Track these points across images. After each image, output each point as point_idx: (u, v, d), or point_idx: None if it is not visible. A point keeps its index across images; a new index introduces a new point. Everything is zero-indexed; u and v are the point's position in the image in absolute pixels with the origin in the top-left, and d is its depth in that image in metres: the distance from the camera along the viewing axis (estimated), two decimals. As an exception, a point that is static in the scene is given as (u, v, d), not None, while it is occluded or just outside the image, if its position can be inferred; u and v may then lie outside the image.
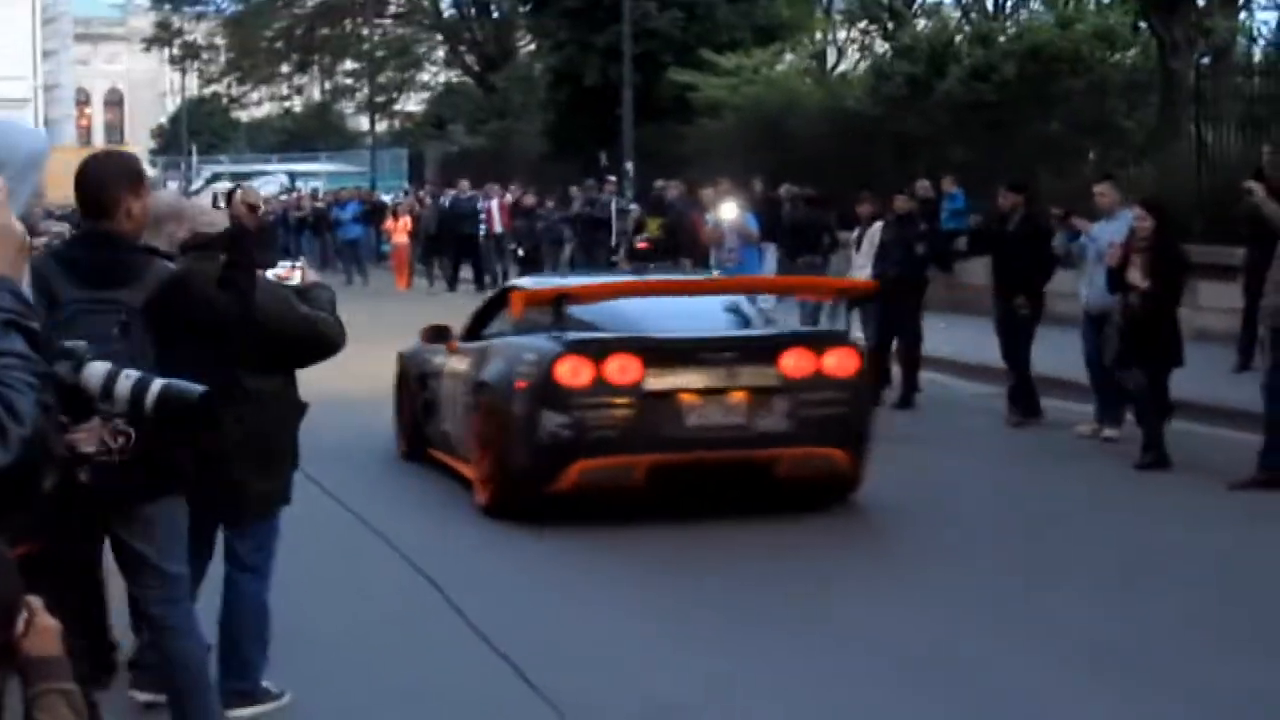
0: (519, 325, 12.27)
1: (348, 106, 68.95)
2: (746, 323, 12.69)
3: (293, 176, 69.87)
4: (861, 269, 18.06)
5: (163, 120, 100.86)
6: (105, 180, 5.94)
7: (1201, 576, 10.02)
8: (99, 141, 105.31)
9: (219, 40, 66.30)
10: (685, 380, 11.32)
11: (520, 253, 25.68)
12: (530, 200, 29.39)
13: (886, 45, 38.06)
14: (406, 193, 45.47)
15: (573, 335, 11.37)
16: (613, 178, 31.98)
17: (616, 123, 35.58)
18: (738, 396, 11.39)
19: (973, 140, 27.64)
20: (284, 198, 47.39)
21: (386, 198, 44.11)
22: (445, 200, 37.32)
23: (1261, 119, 21.74)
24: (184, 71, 71.57)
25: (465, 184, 37.05)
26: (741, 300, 13.05)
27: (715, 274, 18.10)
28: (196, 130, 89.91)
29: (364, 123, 64.86)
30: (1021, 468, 14.04)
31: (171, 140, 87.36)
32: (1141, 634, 8.68)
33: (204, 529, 6.95)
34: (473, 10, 58.73)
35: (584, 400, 11.15)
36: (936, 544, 10.97)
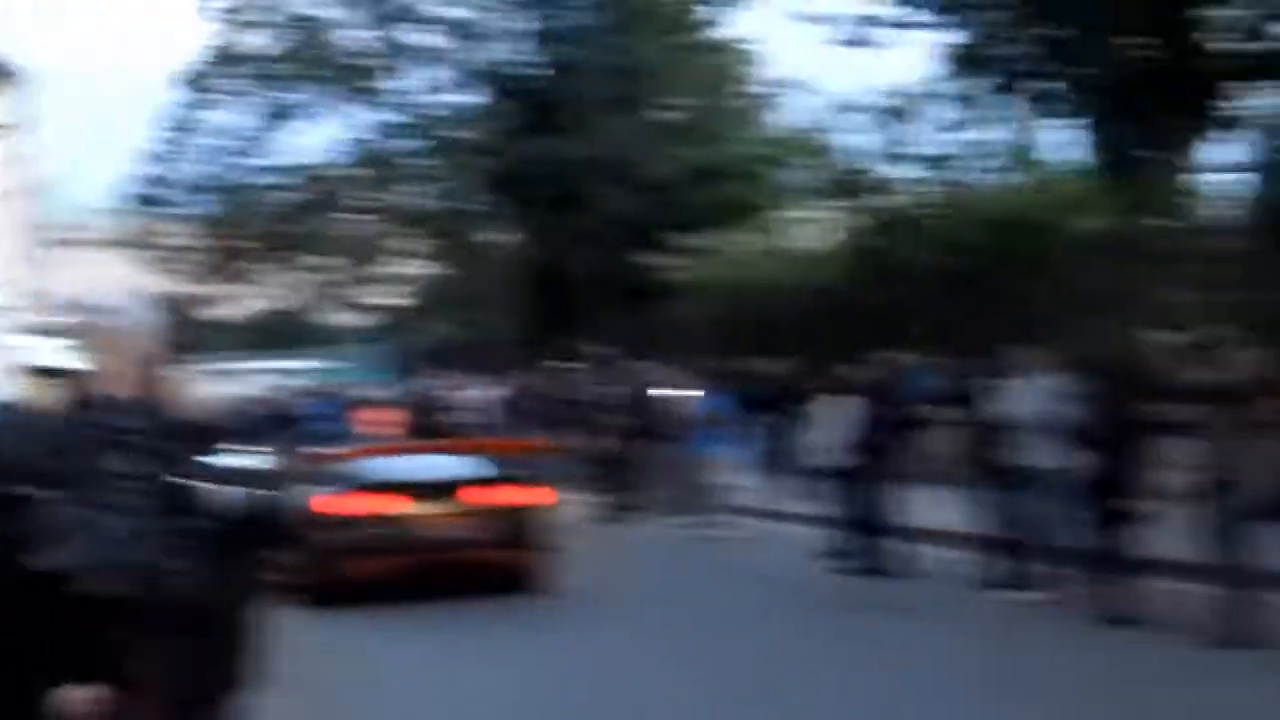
0: (315, 477, 17.19)
1: (325, 303, 69.11)
2: (470, 469, 17.53)
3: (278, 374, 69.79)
4: (820, 441, 18.37)
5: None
6: None
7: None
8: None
9: (194, 243, 66.32)
10: (421, 507, 16.53)
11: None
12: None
13: (855, 219, 38.27)
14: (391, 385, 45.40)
15: (347, 481, 16.91)
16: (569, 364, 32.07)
17: (586, 308, 35.66)
18: (457, 517, 16.57)
19: (943, 310, 27.55)
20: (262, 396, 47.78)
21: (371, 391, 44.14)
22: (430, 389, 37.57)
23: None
24: (165, 274, 71.30)
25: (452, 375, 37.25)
26: (472, 455, 18.38)
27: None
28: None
29: (340, 318, 65.02)
30: (982, 632, 13.86)
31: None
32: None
33: None
34: (439, 200, 58.88)
35: (353, 523, 16.21)
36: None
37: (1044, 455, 14.71)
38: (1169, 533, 14.60)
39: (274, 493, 7.26)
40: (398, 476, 16.97)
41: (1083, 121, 25.42)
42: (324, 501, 16.37)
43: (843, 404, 18.14)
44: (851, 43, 27.88)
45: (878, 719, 10.45)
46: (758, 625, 14.50)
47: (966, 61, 27.01)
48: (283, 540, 7.99)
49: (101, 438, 2.79)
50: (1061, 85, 24.91)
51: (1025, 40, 25.70)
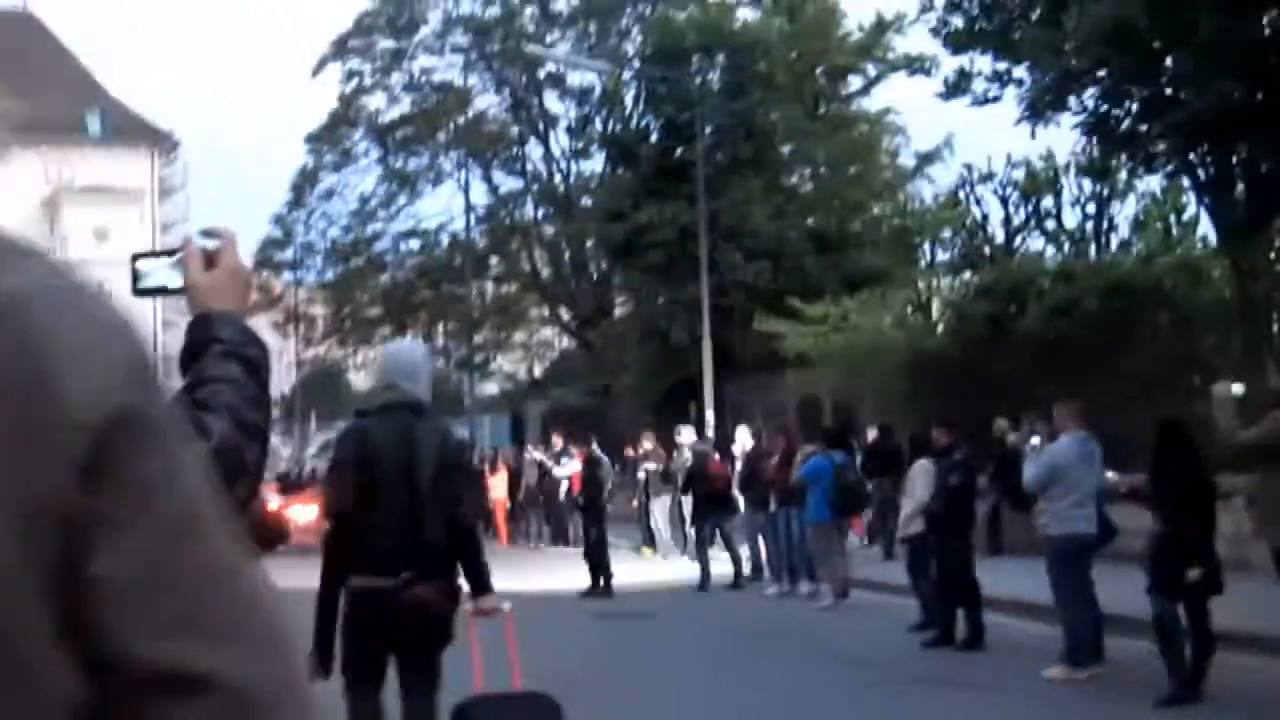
0: None
1: (447, 368, 69.38)
2: None
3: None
4: (904, 507, 17.95)
5: (284, 390, 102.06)
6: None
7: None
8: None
9: (318, 308, 66.93)
10: None
11: (580, 502, 25.46)
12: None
13: (972, 287, 37.64)
14: (495, 450, 45.07)
15: None
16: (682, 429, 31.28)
17: (703, 375, 35.21)
18: None
19: (1055, 378, 26.79)
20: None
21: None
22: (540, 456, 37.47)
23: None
24: (286, 336, 72.14)
25: (558, 441, 37.01)
26: None
27: None
28: (315, 399, 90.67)
29: (466, 384, 65.42)
30: (1042, 707, 13.10)
31: (294, 408, 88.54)
32: None
33: None
34: (569, 268, 58.80)
35: None
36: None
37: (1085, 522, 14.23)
38: (1233, 603, 13.81)
39: None
40: None
41: (1204, 186, 24.63)
42: None
43: (915, 466, 17.87)
44: (976, 101, 27.05)
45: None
46: (818, 698, 13.82)
47: (1096, 131, 26.10)
48: None
49: None
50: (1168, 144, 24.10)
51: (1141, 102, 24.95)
